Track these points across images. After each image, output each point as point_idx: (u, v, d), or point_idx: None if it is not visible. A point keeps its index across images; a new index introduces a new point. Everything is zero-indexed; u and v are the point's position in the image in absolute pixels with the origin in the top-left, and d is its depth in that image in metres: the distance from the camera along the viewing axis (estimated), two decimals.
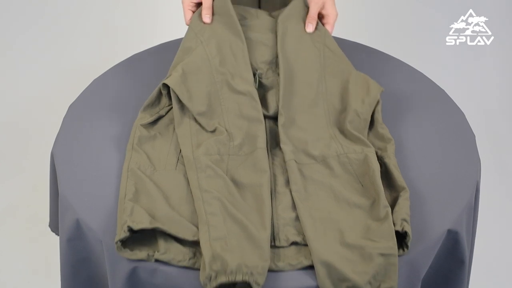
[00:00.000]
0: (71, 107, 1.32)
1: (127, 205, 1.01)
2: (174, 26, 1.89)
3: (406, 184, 1.09)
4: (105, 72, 1.44)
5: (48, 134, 1.68)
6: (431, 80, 1.42)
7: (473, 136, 1.25)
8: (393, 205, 1.04)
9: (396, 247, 0.96)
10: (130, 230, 0.97)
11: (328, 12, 1.36)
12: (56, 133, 1.25)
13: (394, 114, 1.30)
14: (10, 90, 2.63)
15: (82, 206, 1.08)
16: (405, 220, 1.00)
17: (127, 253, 0.97)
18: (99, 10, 2.97)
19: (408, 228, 0.98)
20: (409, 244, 0.99)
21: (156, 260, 0.98)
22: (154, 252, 0.98)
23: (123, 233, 0.96)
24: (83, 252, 1.10)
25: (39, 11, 2.92)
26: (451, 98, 1.36)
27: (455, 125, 1.28)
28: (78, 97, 1.36)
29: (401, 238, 1.00)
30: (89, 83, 1.40)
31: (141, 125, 1.19)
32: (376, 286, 0.95)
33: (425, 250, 1.01)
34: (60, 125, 1.27)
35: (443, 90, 1.39)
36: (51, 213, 1.33)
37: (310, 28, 1.32)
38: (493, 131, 2.46)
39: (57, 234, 1.29)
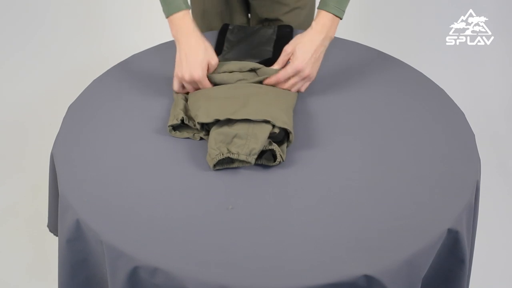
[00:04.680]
0: (71, 107, 1.32)
1: (179, 101, 1.27)
2: None
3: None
4: (105, 72, 1.44)
5: (48, 134, 1.68)
6: (431, 80, 1.42)
7: (472, 135, 1.26)
8: None
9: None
10: (182, 120, 1.22)
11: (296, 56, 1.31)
12: (56, 134, 1.25)
13: (394, 114, 1.30)
14: (10, 90, 2.63)
15: (82, 207, 1.07)
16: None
17: (177, 134, 1.23)
18: (99, 10, 2.97)
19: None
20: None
21: (201, 139, 1.22)
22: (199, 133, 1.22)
23: (175, 121, 1.22)
24: (82, 253, 1.09)
25: (39, 11, 2.92)
26: (451, 98, 1.36)
27: (455, 125, 1.28)
28: (78, 97, 1.36)
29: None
30: (89, 83, 1.40)
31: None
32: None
33: (426, 250, 1.01)
34: (60, 125, 1.27)
35: (443, 90, 1.39)
36: (50, 213, 1.33)
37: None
38: (493, 131, 2.46)
39: (56, 234, 1.29)
